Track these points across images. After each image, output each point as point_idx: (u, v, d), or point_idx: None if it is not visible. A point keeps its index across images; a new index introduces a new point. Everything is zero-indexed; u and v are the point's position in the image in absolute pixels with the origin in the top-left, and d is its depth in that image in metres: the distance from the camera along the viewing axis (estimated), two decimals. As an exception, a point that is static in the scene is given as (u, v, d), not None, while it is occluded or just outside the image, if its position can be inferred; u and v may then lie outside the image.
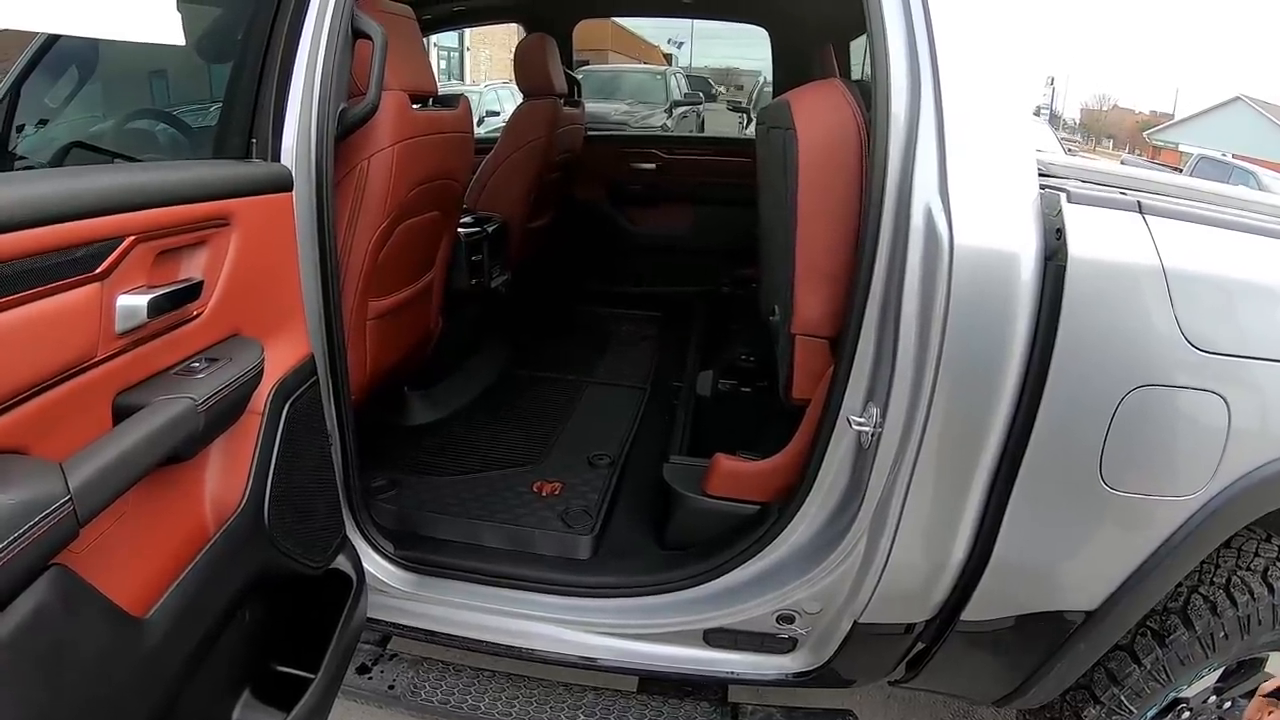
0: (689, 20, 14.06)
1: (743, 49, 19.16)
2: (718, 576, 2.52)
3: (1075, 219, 1.89)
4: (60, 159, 2.44)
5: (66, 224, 1.34)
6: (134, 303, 1.52)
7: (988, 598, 2.20)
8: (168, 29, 1.74)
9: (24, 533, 1.16)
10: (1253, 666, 2.46)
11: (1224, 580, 2.30)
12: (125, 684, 1.52)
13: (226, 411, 1.75)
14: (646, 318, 5.60)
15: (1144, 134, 60.55)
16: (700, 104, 18.10)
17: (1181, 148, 42.40)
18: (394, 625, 2.73)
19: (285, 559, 2.03)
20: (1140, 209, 1.96)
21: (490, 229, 4.12)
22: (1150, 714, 2.41)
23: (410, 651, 2.83)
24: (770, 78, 6.02)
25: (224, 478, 1.85)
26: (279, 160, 2.15)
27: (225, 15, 2.40)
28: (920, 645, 2.43)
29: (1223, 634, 2.27)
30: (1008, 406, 1.97)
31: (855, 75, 5.02)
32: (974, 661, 2.43)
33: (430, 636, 2.71)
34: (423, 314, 3.49)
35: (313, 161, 2.22)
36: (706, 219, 5.83)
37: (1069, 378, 1.92)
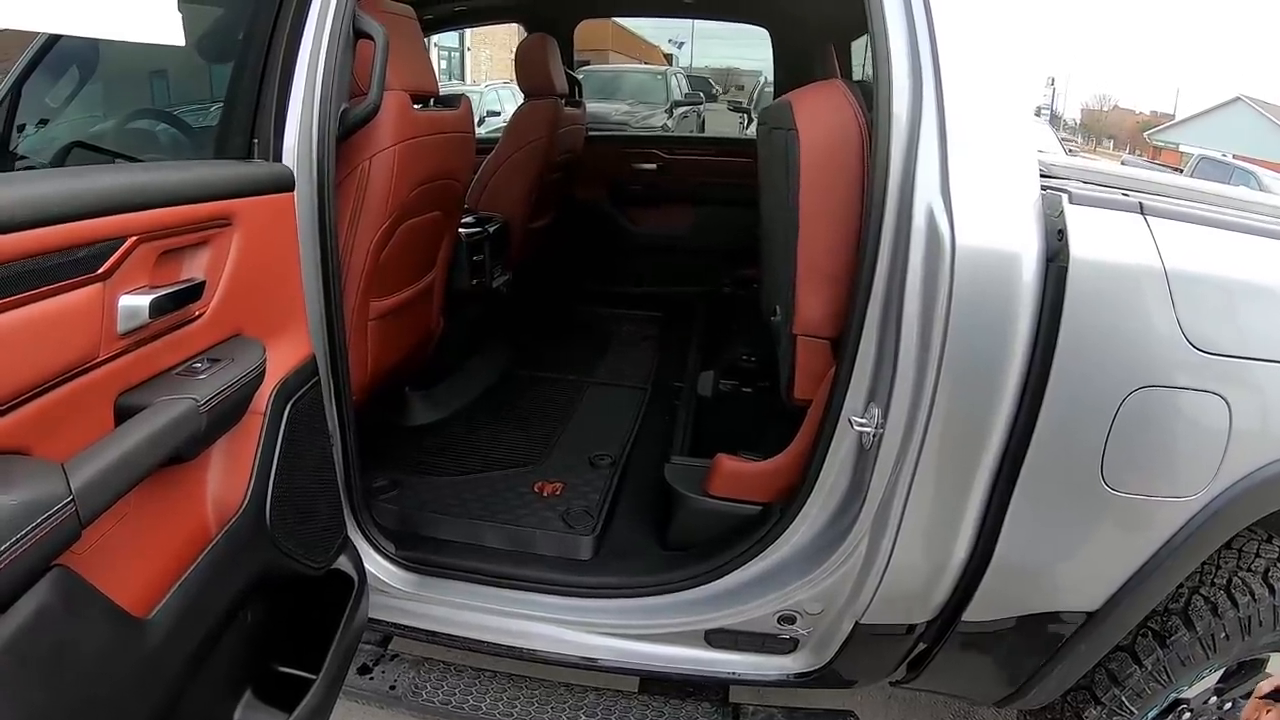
0: (689, 20, 14.06)
1: (743, 49, 19.17)
2: (719, 577, 2.52)
3: (1077, 220, 1.89)
4: (61, 159, 2.44)
5: (69, 224, 1.34)
6: (136, 303, 1.52)
7: (989, 598, 2.20)
8: (168, 29, 1.74)
9: (26, 534, 1.16)
10: (1253, 667, 2.46)
11: (1225, 581, 2.30)
12: (127, 685, 1.52)
13: (228, 412, 1.74)
14: (647, 318, 5.60)
15: (1144, 134, 60.54)
16: (701, 104, 18.11)
17: (1182, 148, 42.39)
18: (395, 625, 2.73)
19: (287, 559, 2.03)
20: (1142, 210, 1.96)
21: (491, 229, 4.12)
22: (1151, 715, 2.41)
23: (411, 652, 2.83)
24: (771, 78, 6.02)
25: (226, 478, 1.85)
26: (281, 160, 2.15)
27: (226, 15, 2.40)
28: (921, 646, 2.43)
29: (1224, 635, 2.27)
30: (1009, 407, 1.97)
31: (856, 76, 5.02)
32: (975, 662, 2.43)
33: (431, 637, 2.71)
34: (424, 314, 3.49)
35: (314, 162, 2.22)
36: (707, 219, 5.83)
37: (1070, 378, 1.92)
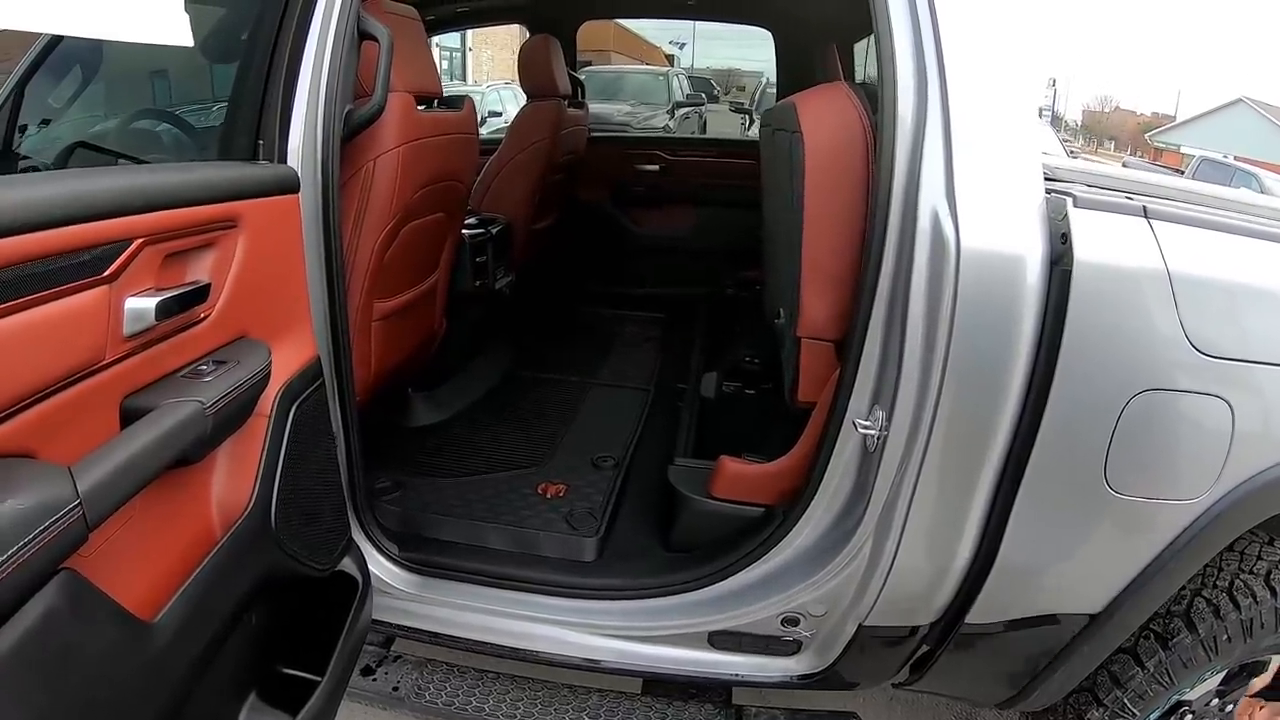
0: (691, 21, 14.06)
1: (745, 50, 19.19)
2: (723, 579, 2.53)
3: (1081, 223, 1.89)
4: (64, 159, 2.44)
5: (75, 227, 1.34)
6: (142, 305, 1.52)
7: (992, 601, 2.20)
8: (176, 30, 1.74)
9: (34, 538, 1.16)
10: (1255, 670, 2.46)
11: (1227, 584, 2.30)
12: (133, 688, 1.52)
13: (234, 414, 1.74)
14: (650, 319, 5.59)
15: (1145, 136, 60.46)
16: (702, 105, 18.09)
17: (1183, 150, 42.33)
18: (398, 627, 2.73)
19: (292, 561, 2.03)
20: (1146, 214, 1.96)
21: (494, 230, 4.12)
22: (1153, 717, 2.41)
23: (415, 653, 2.83)
24: (772, 79, 6.03)
25: (231, 480, 1.85)
26: (285, 162, 2.15)
27: (232, 16, 2.41)
28: (925, 648, 2.43)
29: (1225, 637, 2.27)
30: (1013, 410, 1.97)
31: (859, 77, 5.03)
32: (978, 664, 2.43)
33: (435, 638, 2.71)
34: (427, 315, 3.49)
35: (319, 163, 2.22)
36: (710, 221, 5.82)
37: (1074, 381, 1.92)
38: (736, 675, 2.59)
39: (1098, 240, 1.88)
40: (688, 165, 5.94)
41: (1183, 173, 20.60)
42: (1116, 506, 2.03)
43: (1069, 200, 1.93)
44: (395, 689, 2.69)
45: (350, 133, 2.50)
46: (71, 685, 1.33)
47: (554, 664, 2.64)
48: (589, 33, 5.99)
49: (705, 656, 2.58)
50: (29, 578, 1.19)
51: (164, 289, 1.59)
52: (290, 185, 2.09)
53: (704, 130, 17.49)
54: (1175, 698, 2.40)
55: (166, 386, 1.62)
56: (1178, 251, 1.91)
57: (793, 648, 2.54)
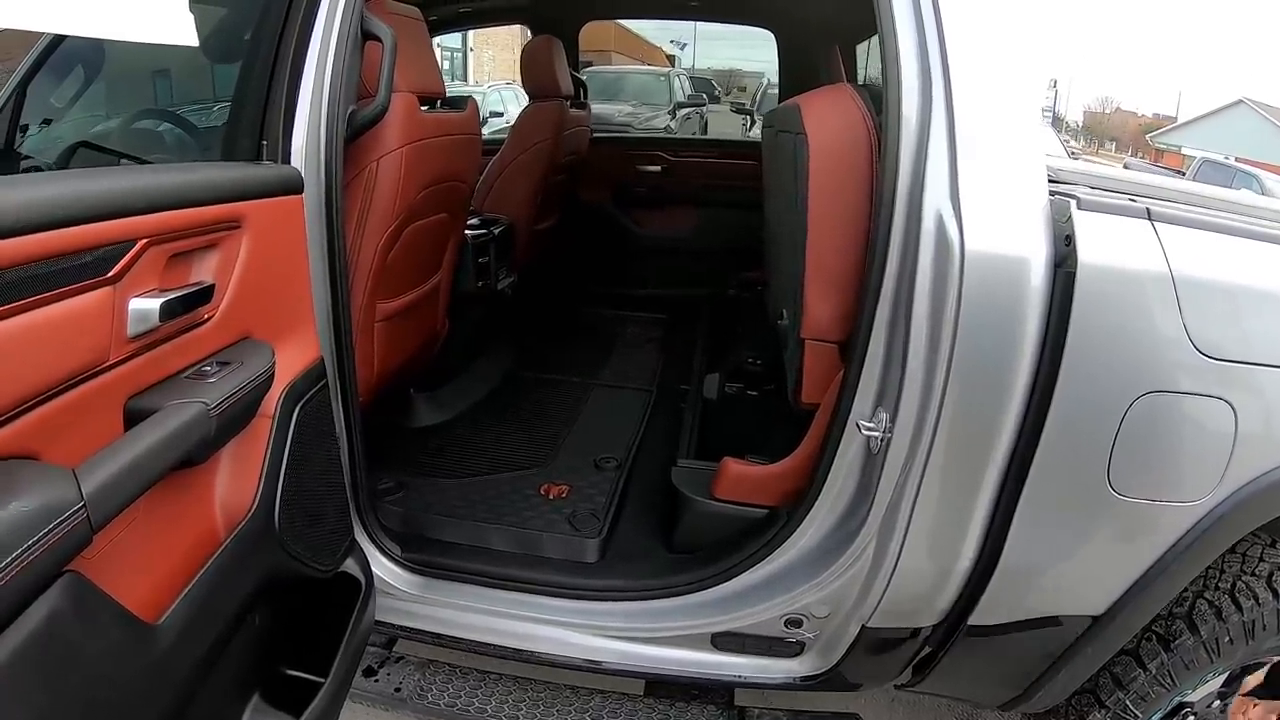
0: (692, 22, 14.05)
1: (746, 50, 19.19)
2: (726, 580, 2.53)
3: (1085, 226, 1.89)
4: (67, 159, 2.44)
5: (79, 227, 1.34)
6: (146, 306, 1.51)
7: (995, 602, 2.20)
8: (180, 30, 1.74)
9: (38, 540, 1.15)
10: (1251, 670, 2.46)
11: (1229, 585, 2.30)
12: (137, 690, 1.52)
13: (238, 415, 1.74)
14: (652, 320, 5.60)
15: (1146, 137, 60.38)
16: (704, 105, 18.08)
17: (1184, 151, 42.26)
18: (401, 628, 2.73)
19: (295, 563, 2.03)
20: (1149, 216, 1.96)
21: (497, 231, 4.12)
22: (1155, 718, 2.41)
23: (417, 654, 2.83)
24: (773, 79, 6.03)
25: (234, 482, 1.85)
26: (289, 162, 2.15)
27: (236, 16, 2.41)
28: (927, 649, 2.43)
29: (1228, 639, 2.27)
30: (1017, 412, 1.97)
31: (861, 79, 5.03)
32: (980, 666, 2.43)
33: (437, 639, 2.71)
34: (429, 316, 3.49)
35: (322, 164, 2.23)
36: (712, 221, 5.83)
37: (1078, 383, 1.92)
38: (739, 676, 2.59)
39: (1102, 242, 1.88)
40: (690, 166, 5.94)
41: (1184, 174, 20.59)
42: (1119, 508, 2.03)
43: (1073, 202, 1.93)
44: (397, 690, 2.69)
45: (354, 133, 2.49)
46: (75, 688, 1.33)
47: (556, 665, 2.64)
48: (590, 33, 5.99)
49: (708, 658, 2.58)
50: (33, 581, 1.18)
51: (168, 290, 1.59)
52: (294, 186, 2.09)
53: (705, 131, 17.48)
54: (1177, 699, 2.40)
55: (170, 388, 1.62)
56: (1181, 254, 1.91)
57: (796, 649, 2.54)
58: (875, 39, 2.26)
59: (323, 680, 2.10)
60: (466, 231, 3.80)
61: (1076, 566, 2.16)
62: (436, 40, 3.94)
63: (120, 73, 2.98)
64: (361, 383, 2.57)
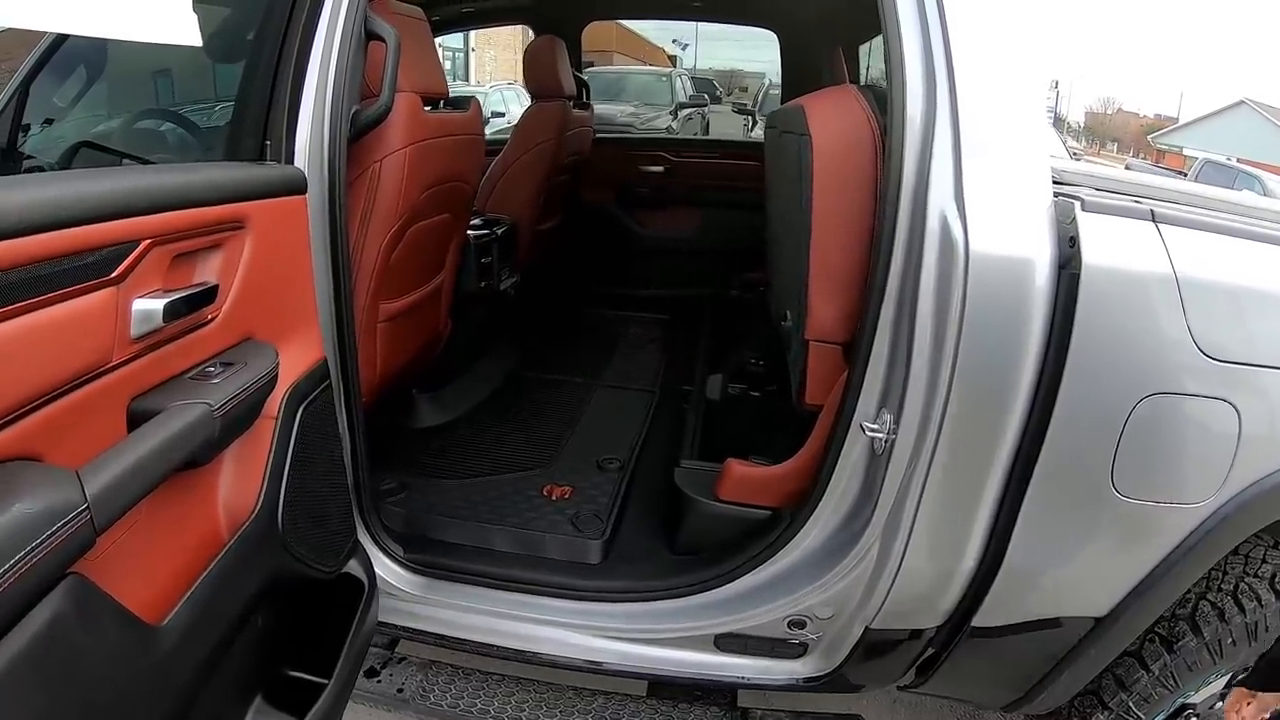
0: (694, 22, 14.05)
1: (748, 50, 19.21)
2: (729, 581, 2.53)
3: (1089, 227, 1.89)
4: (69, 159, 2.44)
5: (83, 227, 1.34)
6: (150, 307, 1.51)
7: (999, 603, 2.20)
8: (184, 30, 1.75)
9: (42, 542, 1.15)
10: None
11: (1232, 587, 2.30)
12: (140, 693, 1.51)
13: (242, 416, 1.74)
14: (654, 320, 5.60)
15: (1148, 138, 60.34)
16: (705, 106, 18.09)
17: (1186, 152, 42.25)
18: (403, 628, 2.73)
19: (298, 564, 2.03)
20: (1154, 217, 1.96)
21: (499, 231, 4.12)
22: (1158, 720, 2.42)
23: (419, 655, 2.84)
24: (775, 80, 6.04)
25: (238, 483, 1.85)
26: (292, 162, 2.15)
27: (239, 16, 2.40)
28: (930, 650, 2.43)
29: (1230, 640, 2.28)
30: (1021, 413, 1.97)
31: (863, 80, 5.02)
32: (983, 667, 2.43)
33: (439, 640, 2.71)
34: (432, 316, 3.49)
35: (325, 164, 2.23)
36: (714, 222, 5.83)
37: (1082, 384, 1.92)
38: (742, 678, 2.59)
39: (1106, 244, 1.88)
40: (692, 167, 5.94)
41: (1185, 175, 20.57)
42: (1123, 510, 2.03)
43: (1077, 204, 1.93)
44: (400, 691, 2.69)
45: (357, 133, 2.49)
46: (78, 690, 1.33)
47: (559, 666, 2.64)
48: (591, 33, 6.00)
49: (711, 659, 2.58)
50: (36, 583, 1.18)
51: (171, 290, 1.59)
52: (298, 186, 2.09)
53: (707, 131, 17.51)
54: (1180, 701, 2.40)
55: (174, 388, 1.62)
56: (1185, 256, 1.91)
57: (799, 650, 2.54)
58: (877, 39, 2.25)
59: (326, 681, 2.10)
60: (469, 232, 3.80)
61: (1080, 568, 2.16)
62: (438, 40, 3.94)
63: (122, 72, 2.98)
64: (364, 383, 2.57)
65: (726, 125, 18.45)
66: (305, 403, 2.02)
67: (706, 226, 5.87)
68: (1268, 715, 1.94)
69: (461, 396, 4.12)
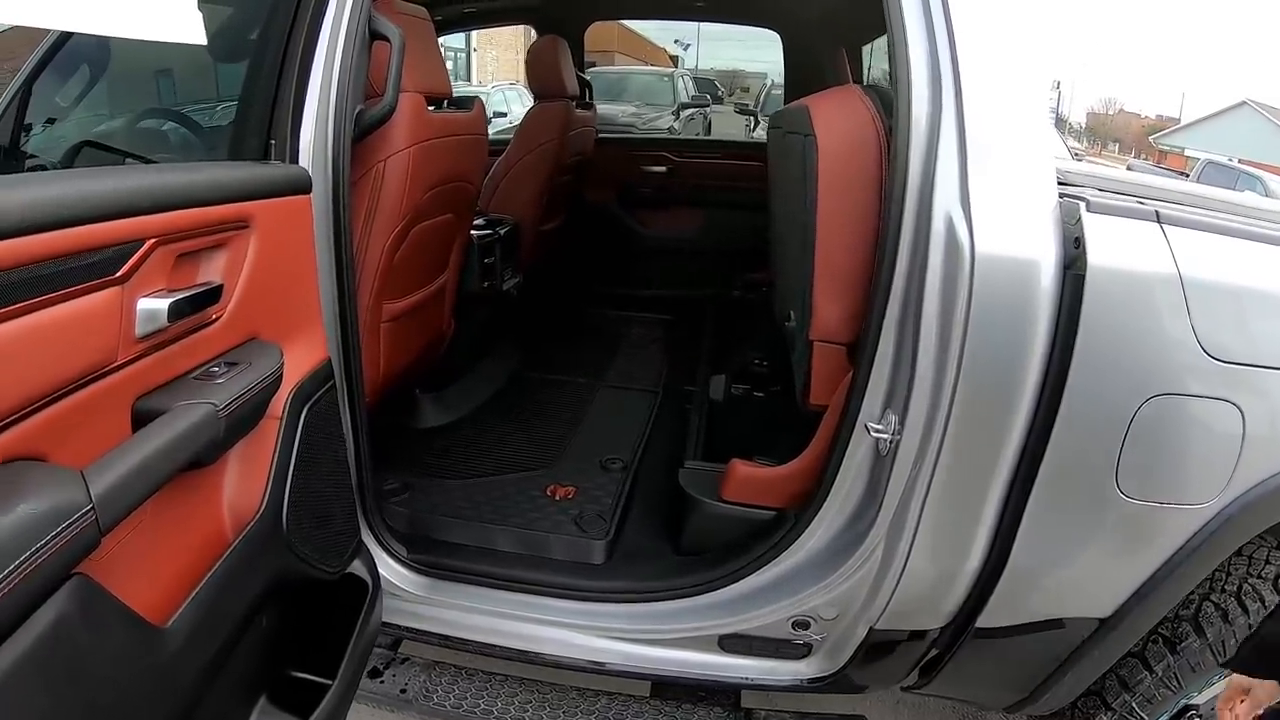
0: (696, 22, 14.05)
1: (751, 51, 19.24)
2: (733, 582, 2.53)
3: (1094, 228, 1.89)
4: (71, 158, 2.44)
5: (88, 226, 1.33)
6: (155, 306, 1.51)
7: (1003, 604, 2.20)
8: (189, 28, 1.74)
9: (47, 543, 1.15)
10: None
11: (1235, 588, 2.30)
12: (144, 693, 1.51)
13: (247, 416, 1.74)
14: (657, 321, 5.60)
15: (1150, 138, 60.30)
16: (707, 106, 18.10)
17: (1187, 152, 42.24)
18: (406, 629, 2.73)
19: (303, 564, 2.03)
20: (1158, 219, 1.96)
21: (502, 231, 4.12)
22: (1161, 721, 2.42)
23: (422, 655, 2.84)
24: (777, 80, 6.04)
25: (242, 483, 1.84)
26: (296, 162, 2.14)
27: (243, 15, 2.40)
28: (934, 651, 2.43)
29: (1234, 641, 2.27)
30: (1026, 414, 1.97)
31: (865, 79, 5.02)
32: (987, 668, 2.43)
33: (443, 640, 2.71)
34: (435, 316, 3.49)
35: (330, 163, 2.22)
36: (716, 222, 5.83)
37: (1087, 385, 1.92)
38: (746, 678, 2.59)
39: (1111, 245, 1.88)
40: (695, 167, 5.94)
41: (1187, 176, 20.56)
42: (1128, 511, 2.03)
43: (1082, 205, 1.93)
44: (403, 691, 2.69)
45: (361, 133, 2.50)
46: (83, 691, 1.33)
47: (563, 667, 2.64)
48: (593, 33, 6.00)
49: (715, 660, 2.58)
50: (41, 583, 1.18)
51: (176, 290, 1.58)
52: (303, 185, 2.09)
53: (709, 131, 17.51)
54: (1183, 702, 2.40)
55: (179, 388, 1.62)
56: (1190, 257, 1.91)
57: (803, 651, 2.54)
58: (880, 40, 2.25)
59: (330, 682, 2.10)
60: (472, 232, 3.80)
61: (1085, 568, 2.16)
62: (441, 40, 3.93)
63: (125, 72, 2.98)
64: (367, 383, 2.57)
65: (728, 125, 18.45)
66: (310, 403, 2.02)
67: (709, 227, 5.87)
68: (1261, 712, 1.94)
69: (464, 397, 4.12)
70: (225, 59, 2.55)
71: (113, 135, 2.75)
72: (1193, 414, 1.96)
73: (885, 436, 2.13)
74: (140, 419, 1.51)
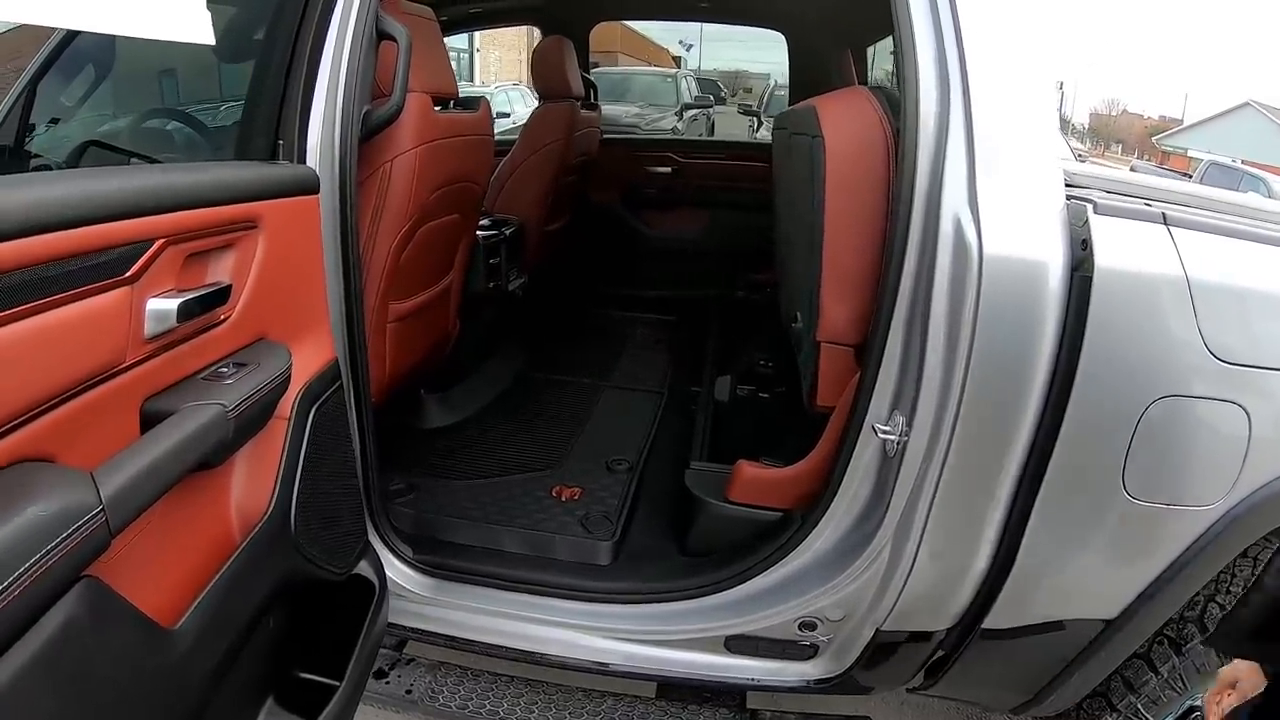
0: (699, 23, 14.05)
1: (753, 51, 19.25)
2: (740, 583, 2.52)
3: (1101, 230, 1.89)
4: (77, 158, 2.44)
5: (98, 226, 1.33)
6: (164, 306, 1.51)
7: (1009, 605, 2.20)
8: (198, 28, 1.74)
9: (57, 545, 1.15)
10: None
11: (1240, 589, 2.29)
12: (153, 695, 1.51)
13: (255, 417, 1.74)
14: (661, 321, 5.61)
15: (1153, 139, 60.24)
16: (710, 107, 18.11)
17: (1190, 153, 42.20)
18: (412, 630, 2.73)
19: (310, 566, 2.02)
20: (1165, 221, 1.96)
21: (508, 232, 4.13)
22: (1166, 722, 2.42)
23: (428, 656, 2.84)
24: (780, 80, 6.04)
25: (250, 484, 1.84)
26: (304, 162, 2.14)
27: (251, 16, 2.40)
28: (940, 652, 2.43)
29: (1236, 642, 2.28)
30: (1033, 415, 1.97)
31: (869, 80, 5.02)
32: (993, 669, 2.43)
33: (448, 641, 2.71)
34: (441, 317, 3.49)
35: (337, 164, 2.22)
36: (721, 223, 5.84)
37: (1094, 387, 1.92)
38: (752, 679, 2.59)
39: (1118, 247, 1.88)
40: (699, 168, 5.95)
41: (1190, 177, 20.54)
42: (1134, 512, 2.02)
43: (1089, 206, 1.93)
44: (409, 692, 2.69)
45: (368, 133, 2.49)
46: (92, 694, 1.33)
47: (568, 668, 2.64)
48: (596, 34, 6.00)
49: (721, 661, 2.58)
50: (51, 585, 1.18)
51: (185, 290, 1.58)
52: (310, 186, 2.09)
53: (712, 132, 17.53)
54: (1188, 703, 2.40)
55: (187, 389, 1.61)
56: (1196, 258, 1.91)
57: (809, 652, 2.54)
58: (884, 41, 2.25)
59: (337, 683, 2.10)
60: (478, 232, 3.80)
61: (1091, 569, 2.16)
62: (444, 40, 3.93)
63: (130, 71, 2.98)
64: (373, 384, 2.57)
65: (731, 126, 18.46)
66: (318, 403, 2.02)
67: (713, 227, 5.88)
68: (1245, 703, 1.95)
69: (470, 397, 4.13)
70: (232, 59, 2.56)
71: (118, 135, 2.75)
72: (1199, 416, 1.95)
73: (893, 437, 2.13)
74: (149, 420, 1.51)
